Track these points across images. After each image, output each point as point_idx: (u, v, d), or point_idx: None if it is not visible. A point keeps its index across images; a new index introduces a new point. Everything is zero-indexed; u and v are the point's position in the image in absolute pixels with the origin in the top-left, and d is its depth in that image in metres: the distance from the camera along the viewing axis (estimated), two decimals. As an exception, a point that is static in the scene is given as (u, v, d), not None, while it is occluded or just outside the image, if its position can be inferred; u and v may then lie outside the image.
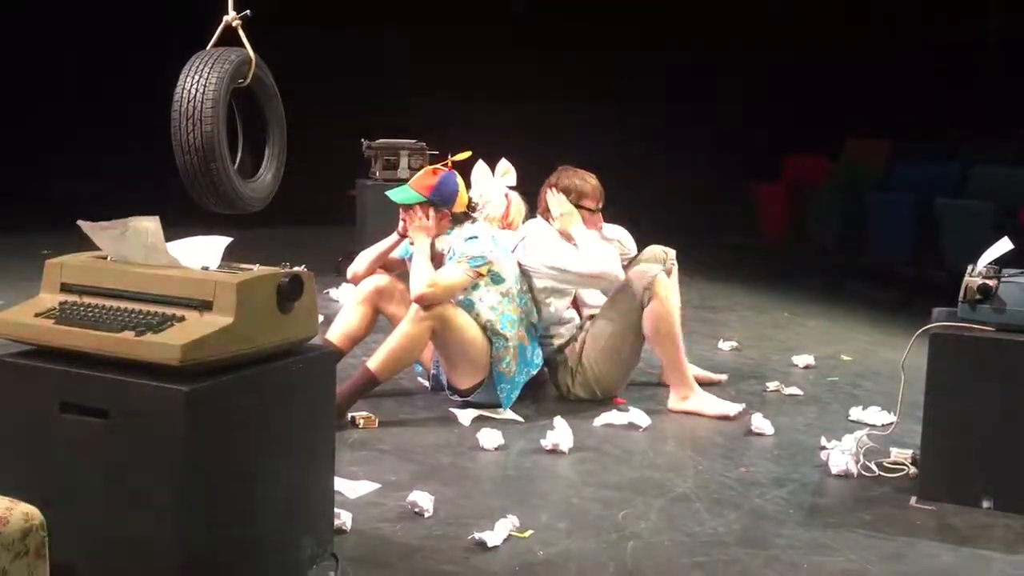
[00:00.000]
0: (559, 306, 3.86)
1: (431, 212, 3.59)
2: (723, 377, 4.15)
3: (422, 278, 3.45)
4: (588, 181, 3.92)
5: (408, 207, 3.61)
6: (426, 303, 3.44)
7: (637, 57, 9.63)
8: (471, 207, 3.74)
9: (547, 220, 3.91)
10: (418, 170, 5.29)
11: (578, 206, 3.87)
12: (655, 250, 3.95)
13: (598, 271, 3.70)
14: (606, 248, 3.79)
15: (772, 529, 2.69)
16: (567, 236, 3.83)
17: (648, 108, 9.40)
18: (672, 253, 3.96)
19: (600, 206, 3.93)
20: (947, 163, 7.19)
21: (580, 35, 9.59)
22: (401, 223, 3.68)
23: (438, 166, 3.73)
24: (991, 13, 9.00)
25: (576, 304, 4.02)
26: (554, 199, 3.87)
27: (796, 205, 7.65)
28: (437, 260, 3.59)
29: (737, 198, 8.39)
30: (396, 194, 3.65)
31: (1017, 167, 6.88)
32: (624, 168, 7.78)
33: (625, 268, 3.81)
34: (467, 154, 3.93)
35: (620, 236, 4.03)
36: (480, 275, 3.56)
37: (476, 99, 8.69)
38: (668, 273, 3.84)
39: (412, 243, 3.63)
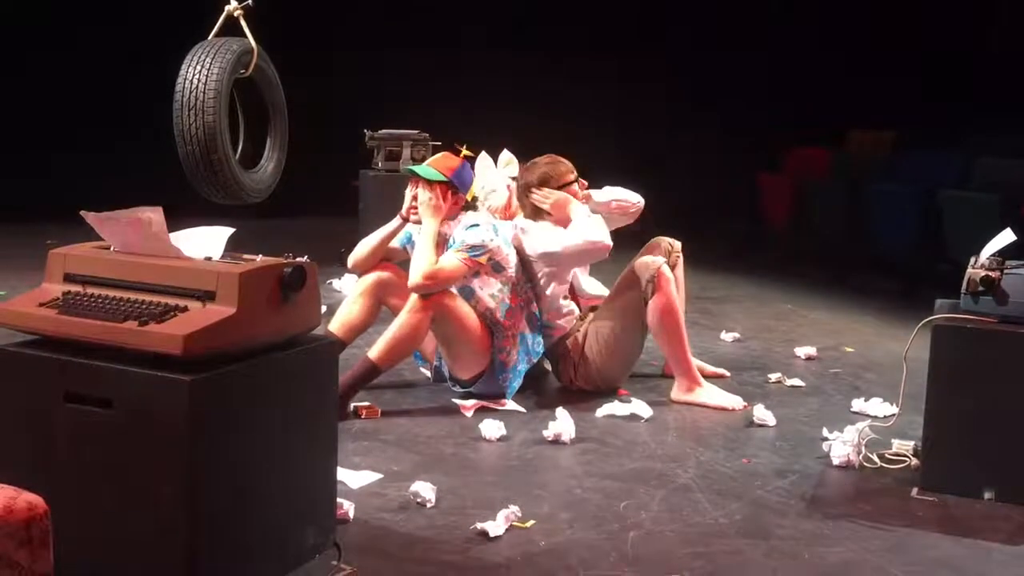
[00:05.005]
0: (557, 291, 3.86)
1: (448, 194, 3.59)
2: (726, 373, 4.15)
3: (422, 267, 3.45)
4: (554, 161, 3.93)
5: (427, 184, 3.57)
6: (423, 293, 3.44)
7: (638, 51, 9.60)
8: (474, 199, 3.75)
9: (544, 218, 3.89)
10: (420, 160, 5.29)
11: (563, 189, 3.87)
12: (661, 242, 3.96)
13: (584, 242, 3.70)
14: (593, 221, 3.79)
15: (773, 520, 2.69)
16: (567, 220, 3.82)
17: (650, 100, 9.37)
18: (678, 245, 3.96)
19: (575, 175, 3.92)
20: (951, 154, 7.16)
21: (582, 31, 9.56)
22: (406, 206, 3.65)
23: (452, 154, 3.74)
24: (998, 2, 8.95)
25: (574, 294, 4.02)
26: (540, 195, 3.86)
27: (800, 196, 7.63)
28: (439, 247, 3.58)
29: (740, 188, 8.37)
30: (421, 169, 3.61)
31: (1021, 158, 6.85)
32: (624, 161, 7.76)
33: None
34: (476, 154, 3.95)
35: (618, 195, 4.00)
36: (480, 264, 3.55)
37: (478, 91, 8.67)
38: (673, 265, 3.85)
39: (418, 223, 3.59)
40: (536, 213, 3.89)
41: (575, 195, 3.85)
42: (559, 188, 3.85)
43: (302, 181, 6.20)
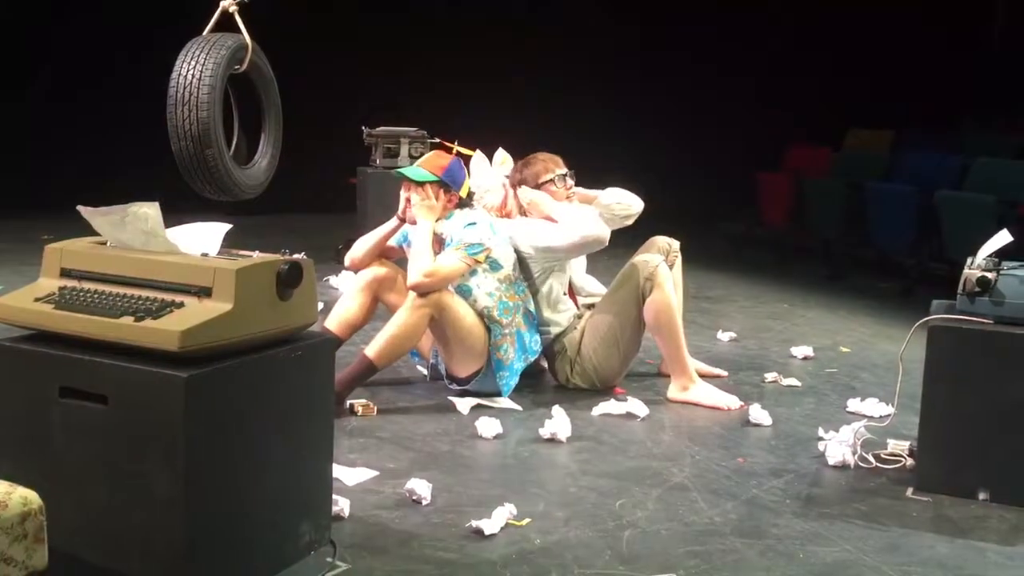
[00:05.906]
0: (557, 287, 3.86)
1: (441, 193, 3.59)
2: (723, 373, 4.15)
3: (420, 266, 3.46)
4: (534, 160, 3.94)
5: (418, 186, 3.60)
6: (422, 291, 3.45)
7: (638, 47, 9.60)
8: (469, 196, 3.75)
9: (532, 214, 3.92)
10: (418, 158, 5.28)
11: (540, 187, 3.88)
12: (659, 240, 3.96)
13: (579, 238, 3.73)
14: (584, 213, 3.80)
15: (768, 519, 2.69)
16: (546, 218, 3.84)
17: (649, 97, 9.37)
18: (676, 244, 3.97)
19: (560, 172, 3.92)
20: (949, 155, 7.17)
21: (582, 30, 9.56)
22: (402, 207, 3.66)
23: (444, 152, 3.74)
24: (997, 3, 8.96)
25: (571, 292, 4.03)
26: (520, 196, 3.90)
27: (799, 195, 7.64)
28: (436, 245, 3.59)
29: (739, 187, 8.38)
30: (410, 171, 3.64)
31: (1019, 160, 6.85)
32: (625, 158, 7.77)
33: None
34: (472, 152, 3.94)
35: (622, 197, 3.98)
36: (477, 263, 3.56)
37: (476, 88, 8.67)
38: (671, 265, 3.86)
39: (414, 224, 3.61)
40: (524, 212, 3.92)
41: (554, 194, 3.86)
42: (536, 187, 3.89)
43: (299, 178, 6.20)
